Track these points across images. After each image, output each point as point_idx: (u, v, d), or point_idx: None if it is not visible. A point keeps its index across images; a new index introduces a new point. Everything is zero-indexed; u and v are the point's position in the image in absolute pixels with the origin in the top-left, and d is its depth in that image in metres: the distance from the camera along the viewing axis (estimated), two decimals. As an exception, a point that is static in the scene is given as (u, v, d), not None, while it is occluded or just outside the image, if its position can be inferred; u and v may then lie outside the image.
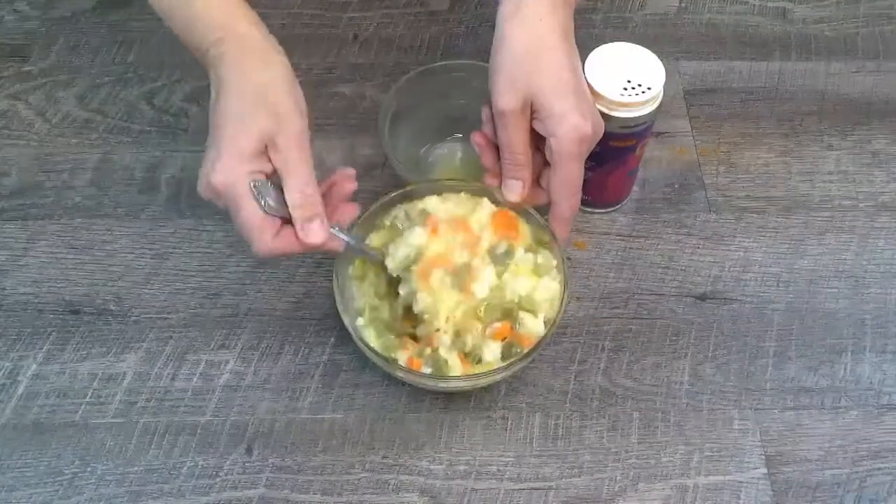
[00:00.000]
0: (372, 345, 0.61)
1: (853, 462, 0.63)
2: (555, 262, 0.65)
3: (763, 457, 0.63)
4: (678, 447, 0.64)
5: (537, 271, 0.64)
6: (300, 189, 0.58)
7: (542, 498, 0.62)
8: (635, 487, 0.62)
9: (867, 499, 0.62)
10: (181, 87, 0.82)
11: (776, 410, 0.66)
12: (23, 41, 0.85)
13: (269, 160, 0.58)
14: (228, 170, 0.57)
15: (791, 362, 0.68)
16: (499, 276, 0.63)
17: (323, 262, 0.71)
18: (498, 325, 0.62)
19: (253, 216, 0.57)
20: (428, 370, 0.61)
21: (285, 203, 0.58)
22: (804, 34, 0.88)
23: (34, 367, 0.66)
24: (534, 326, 0.62)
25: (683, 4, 0.91)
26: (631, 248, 0.73)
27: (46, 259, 0.71)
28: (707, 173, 0.78)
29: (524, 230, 0.66)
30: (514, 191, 0.64)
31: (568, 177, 0.61)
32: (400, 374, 0.61)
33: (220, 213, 0.73)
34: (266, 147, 0.58)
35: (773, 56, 0.86)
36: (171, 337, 0.68)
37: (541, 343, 0.60)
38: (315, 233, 0.58)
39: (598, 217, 0.75)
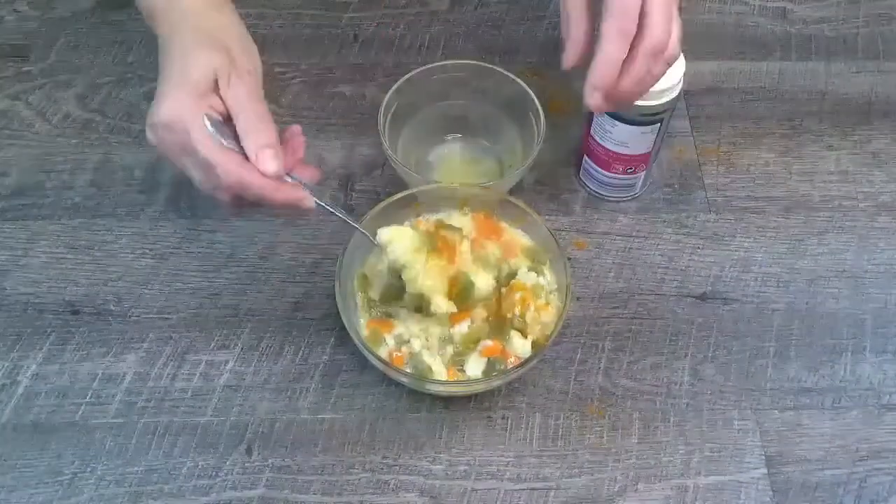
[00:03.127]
0: (372, 346, 0.62)
1: (853, 462, 0.63)
2: (556, 287, 0.64)
3: (763, 457, 0.63)
4: (678, 447, 0.64)
5: (536, 292, 0.63)
6: (253, 122, 0.55)
7: (542, 498, 0.62)
8: (635, 487, 0.62)
9: (867, 499, 0.62)
10: (181, 87, 0.82)
11: (776, 410, 0.66)
12: (23, 41, 0.85)
13: (221, 99, 0.56)
14: (179, 102, 0.55)
15: (791, 362, 0.68)
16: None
17: (323, 261, 0.71)
18: (489, 343, 0.62)
19: (210, 142, 0.55)
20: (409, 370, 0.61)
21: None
22: (804, 34, 0.88)
23: (34, 367, 0.66)
24: (520, 347, 0.62)
25: (683, 4, 0.90)
26: (631, 248, 0.73)
27: (46, 259, 0.71)
28: (707, 173, 0.78)
29: (515, 238, 0.67)
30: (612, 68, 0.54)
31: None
32: (403, 379, 0.61)
33: (220, 213, 0.74)
34: (217, 84, 0.56)
35: (773, 56, 0.86)
36: (171, 337, 0.68)
37: (524, 366, 0.60)
38: (269, 160, 0.55)
39: (598, 217, 0.75)
